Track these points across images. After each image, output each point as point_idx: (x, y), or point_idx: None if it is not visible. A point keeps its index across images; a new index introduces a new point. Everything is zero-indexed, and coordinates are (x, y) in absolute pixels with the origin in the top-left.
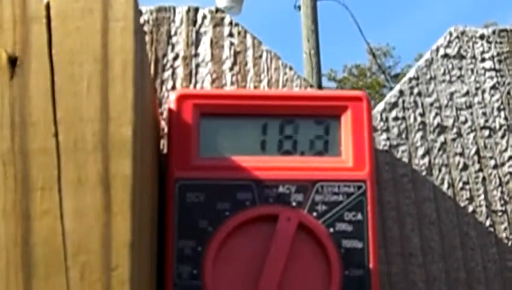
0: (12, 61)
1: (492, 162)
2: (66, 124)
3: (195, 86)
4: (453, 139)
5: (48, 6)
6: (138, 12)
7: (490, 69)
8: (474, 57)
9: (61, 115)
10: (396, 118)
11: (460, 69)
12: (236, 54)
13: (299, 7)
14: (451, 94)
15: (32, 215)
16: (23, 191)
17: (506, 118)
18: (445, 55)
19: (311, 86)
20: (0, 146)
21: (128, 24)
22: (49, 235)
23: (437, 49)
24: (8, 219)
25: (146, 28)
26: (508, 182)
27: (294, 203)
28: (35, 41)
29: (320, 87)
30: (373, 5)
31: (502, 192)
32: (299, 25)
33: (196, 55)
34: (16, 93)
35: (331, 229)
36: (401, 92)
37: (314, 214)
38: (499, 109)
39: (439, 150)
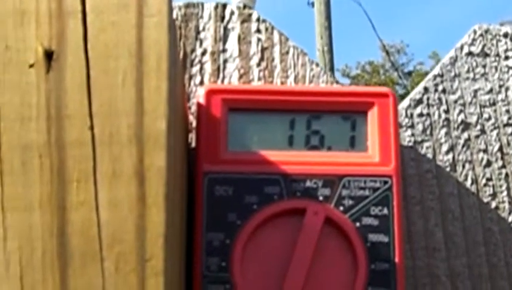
0: (49, 55)
1: None
2: (102, 117)
3: (223, 81)
4: (477, 136)
5: (83, 1)
6: (172, 8)
7: None
8: (498, 54)
9: (96, 108)
10: (421, 115)
11: (484, 66)
12: (263, 49)
13: (313, 4)
14: (475, 91)
15: (68, 207)
16: (59, 182)
17: None
18: (470, 53)
19: (338, 82)
20: (37, 139)
21: (163, 19)
22: (85, 226)
23: (461, 47)
24: (44, 210)
25: None
26: None
27: (321, 198)
28: (71, 35)
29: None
30: (387, 2)
31: None
32: (313, 22)
33: (224, 50)
34: (52, 87)
35: (358, 224)
36: (426, 89)
37: (341, 208)
38: None
39: (463, 146)
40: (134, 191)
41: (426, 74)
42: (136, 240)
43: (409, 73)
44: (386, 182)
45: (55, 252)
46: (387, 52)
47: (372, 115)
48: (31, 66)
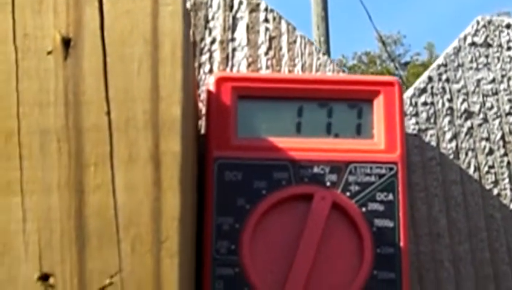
0: (66, 43)
1: None
2: (118, 103)
3: (231, 69)
4: (480, 125)
5: None
6: None
7: None
8: (500, 45)
9: (113, 94)
10: (425, 103)
11: (487, 57)
12: (271, 38)
13: None
14: (478, 81)
15: (85, 190)
16: (76, 166)
17: None
18: (473, 44)
19: (344, 71)
20: (55, 123)
21: (177, 8)
22: (102, 208)
23: (465, 38)
24: (62, 192)
25: None
26: None
27: (328, 183)
28: (88, 23)
29: None
30: None
31: None
32: (309, 12)
33: (233, 39)
34: (69, 73)
35: (364, 209)
36: (430, 78)
37: (348, 193)
38: None
39: (466, 134)
40: (150, 175)
41: (422, 65)
42: (151, 222)
43: (406, 64)
44: (391, 169)
45: (73, 234)
46: (384, 43)
47: (378, 103)
48: (49, 53)
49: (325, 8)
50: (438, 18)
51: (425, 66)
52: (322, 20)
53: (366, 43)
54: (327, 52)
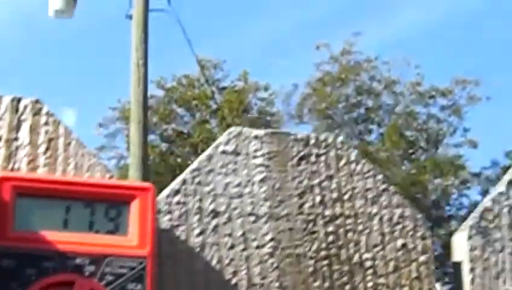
0: None
1: (255, 243)
2: None
3: (14, 165)
4: (224, 223)
5: None
6: None
7: (260, 165)
8: (247, 154)
9: None
10: (178, 203)
11: (235, 163)
12: (50, 140)
13: (131, 16)
14: (226, 185)
15: None
16: None
17: (270, 207)
18: (224, 152)
19: (110, 171)
20: None
21: None
22: None
23: (217, 146)
24: None
25: None
26: (266, 260)
27: (87, 273)
28: None
29: (145, 96)
30: (208, 17)
31: (261, 268)
32: (130, 34)
33: (16, 139)
34: None
35: None
36: (184, 181)
37: (103, 283)
38: (265, 199)
39: (212, 231)
40: None
41: (236, 91)
42: None
43: (224, 88)
44: (141, 263)
45: None
46: (203, 67)
47: (135, 206)
48: None
49: (145, 30)
50: (256, 44)
51: (239, 92)
52: (142, 42)
53: (187, 65)
54: (144, 75)
